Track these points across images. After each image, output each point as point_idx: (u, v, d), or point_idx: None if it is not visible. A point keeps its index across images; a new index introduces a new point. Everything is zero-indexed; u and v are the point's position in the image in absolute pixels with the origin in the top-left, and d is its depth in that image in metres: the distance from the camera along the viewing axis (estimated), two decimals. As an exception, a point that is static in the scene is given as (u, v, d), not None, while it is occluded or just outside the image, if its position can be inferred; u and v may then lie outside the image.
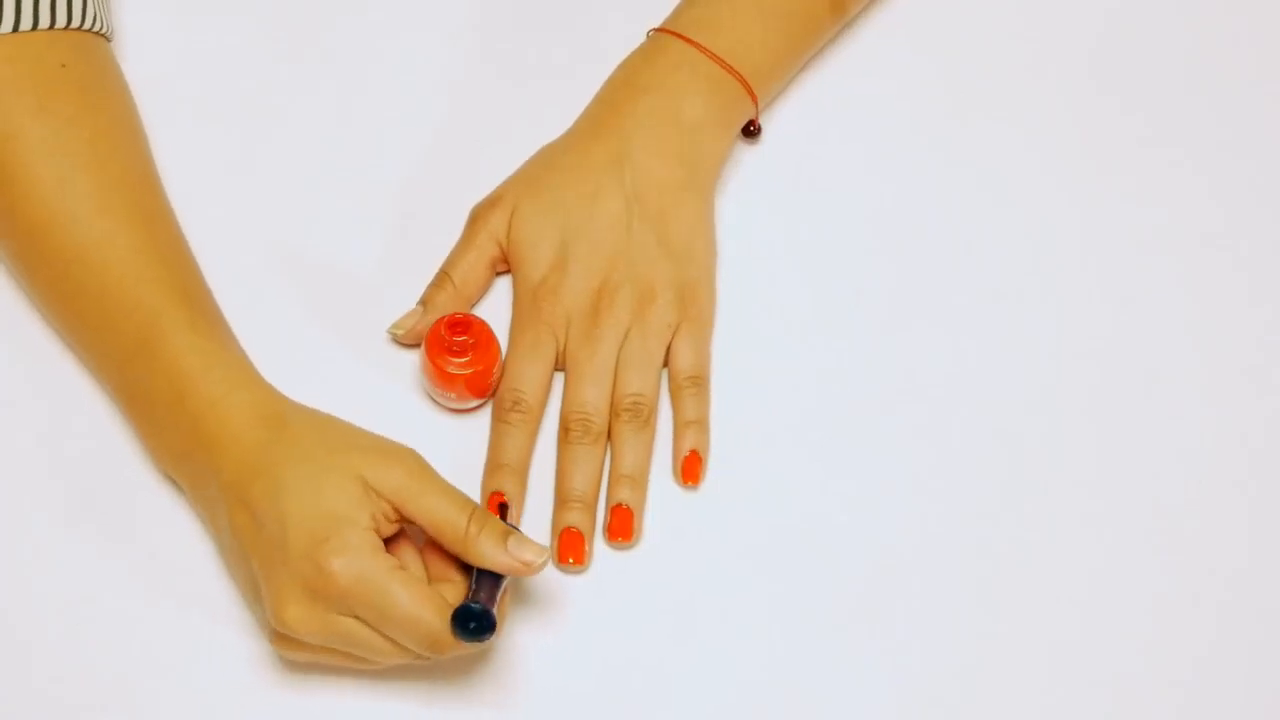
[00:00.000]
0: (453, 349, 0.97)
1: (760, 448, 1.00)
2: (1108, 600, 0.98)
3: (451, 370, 0.97)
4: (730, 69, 1.03)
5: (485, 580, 0.88)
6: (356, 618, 0.86)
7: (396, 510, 0.88)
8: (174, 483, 0.95)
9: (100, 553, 0.95)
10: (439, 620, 0.86)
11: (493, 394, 1.00)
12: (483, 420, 1.00)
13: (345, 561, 0.85)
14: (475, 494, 0.97)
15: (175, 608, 0.94)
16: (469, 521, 0.88)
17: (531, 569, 0.88)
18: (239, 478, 0.89)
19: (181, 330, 0.92)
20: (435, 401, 1.00)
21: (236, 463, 0.89)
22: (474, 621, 0.86)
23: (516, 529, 0.89)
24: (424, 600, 0.86)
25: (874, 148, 1.09)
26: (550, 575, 0.96)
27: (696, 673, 0.95)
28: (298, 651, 0.89)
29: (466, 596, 0.87)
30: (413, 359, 1.00)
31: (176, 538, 0.96)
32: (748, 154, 1.08)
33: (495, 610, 0.87)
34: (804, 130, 1.09)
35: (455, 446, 0.99)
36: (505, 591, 0.89)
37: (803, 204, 1.07)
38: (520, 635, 0.95)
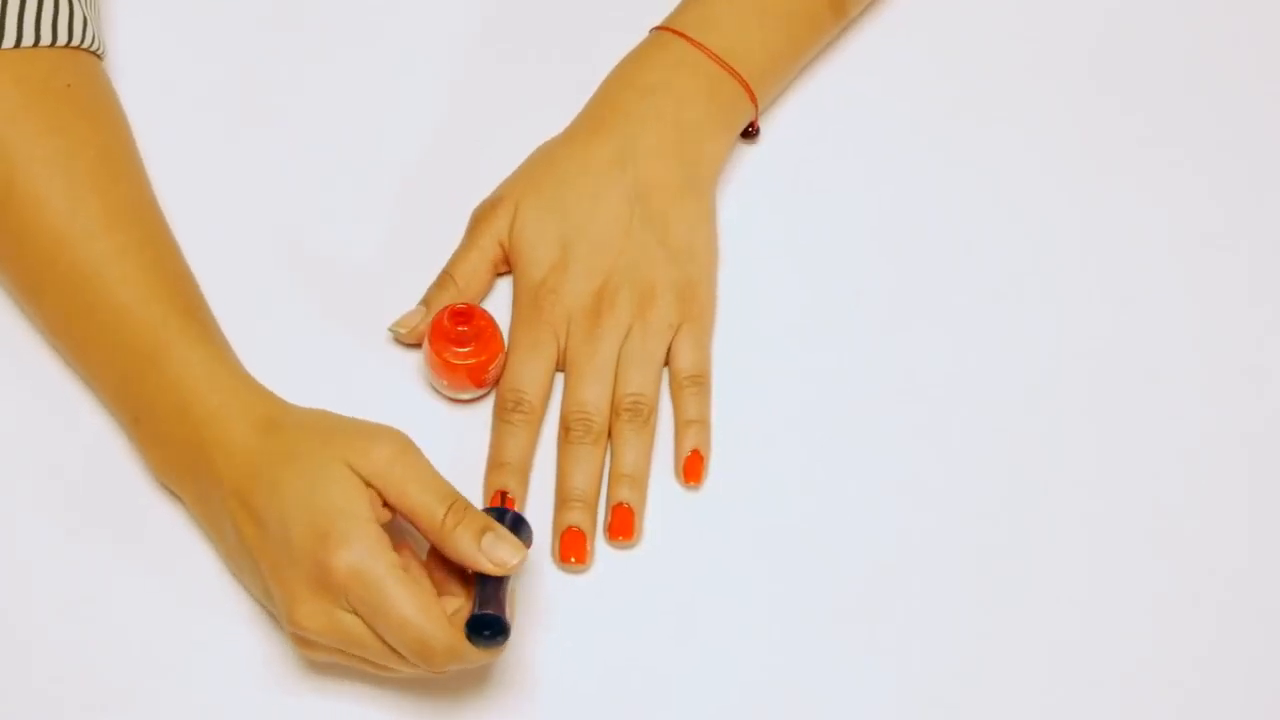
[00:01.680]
0: (455, 339, 0.97)
1: (760, 448, 1.00)
2: (1108, 600, 0.98)
3: (454, 360, 0.97)
4: (730, 69, 1.03)
5: (489, 586, 0.88)
6: (358, 615, 0.86)
7: (381, 495, 0.88)
8: (177, 496, 0.95)
9: (100, 553, 0.95)
10: (432, 627, 0.85)
11: (494, 384, 1.00)
12: (485, 412, 1.00)
13: (345, 554, 0.85)
14: (477, 488, 0.97)
15: (176, 608, 0.94)
16: (447, 513, 0.87)
17: (505, 569, 0.87)
18: (240, 484, 0.89)
19: (187, 345, 0.92)
20: (437, 392, 1.00)
21: (237, 469, 0.89)
22: (488, 629, 0.86)
23: (500, 525, 0.88)
24: (421, 604, 0.85)
25: (873, 148, 1.09)
26: (551, 576, 0.96)
27: (697, 673, 0.95)
28: (316, 652, 0.89)
29: (474, 606, 0.87)
30: (415, 351, 1.01)
31: (177, 538, 0.96)
32: (748, 154, 1.08)
33: (506, 614, 0.87)
34: (804, 130, 1.09)
35: (457, 438, 0.99)
36: (513, 593, 0.89)
37: (802, 204, 1.07)
38: (521, 635, 0.95)
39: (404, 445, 0.88)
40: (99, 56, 1.01)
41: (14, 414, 0.99)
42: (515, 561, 0.87)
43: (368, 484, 0.87)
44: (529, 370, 0.98)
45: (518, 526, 0.90)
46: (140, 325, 0.93)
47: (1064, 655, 0.97)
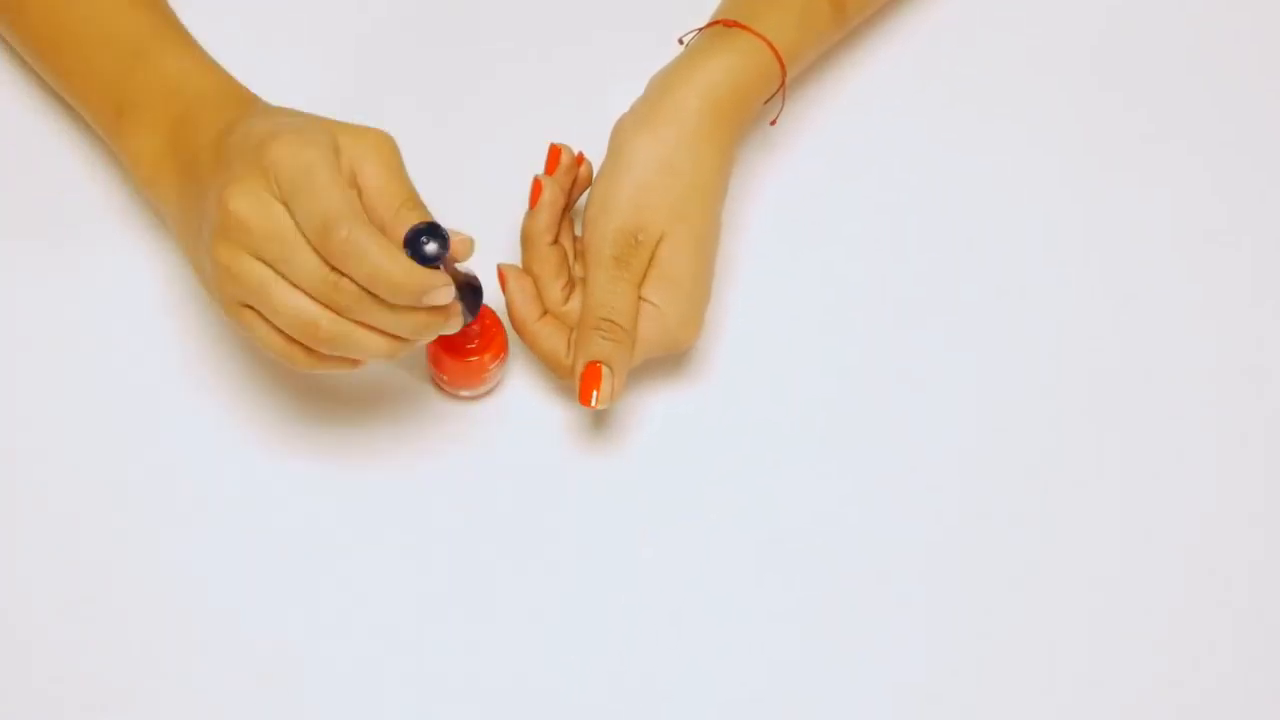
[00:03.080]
0: (460, 335, 0.97)
1: (761, 447, 1.00)
2: (1108, 599, 0.98)
3: (457, 357, 0.97)
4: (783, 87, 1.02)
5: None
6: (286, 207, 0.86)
7: (357, 178, 0.88)
8: (159, 219, 0.98)
9: (100, 553, 0.95)
10: (347, 211, 0.85)
11: (494, 384, 1.00)
12: (484, 411, 1.00)
13: (291, 139, 0.86)
14: (477, 488, 0.97)
15: (176, 608, 0.95)
16: (402, 202, 0.88)
17: (453, 248, 0.87)
18: (224, 129, 0.91)
19: (176, 43, 0.97)
20: (438, 388, 1.00)
21: (224, 119, 0.91)
22: (425, 236, 0.86)
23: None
24: (342, 189, 0.85)
25: (875, 145, 1.09)
26: (550, 577, 0.97)
27: (697, 673, 0.95)
28: (233, 284, 0.88)
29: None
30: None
31: (177, 539, 0.96)
32: (755, 153, 1.08)
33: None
34: (803, 129, 1.09)
35: (456, 435, 0.99)
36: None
37: (802, 203, 1.07)
38: (519, 635, 0.95)
39: (391, 143, 0.89)
40: None
41: (14, 414, 0.99)
42: (458, 238, 0.88)
43: (346, 156, 0.88)
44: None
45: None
46: (130, 28, 0.97)
47: (1064, 655, 0.97)
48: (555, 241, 1.00)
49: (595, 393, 0.96)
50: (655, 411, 1.01)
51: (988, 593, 0.98)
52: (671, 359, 1.01)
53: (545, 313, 0.99)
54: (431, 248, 0.86)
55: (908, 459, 1.01)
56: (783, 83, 1.01)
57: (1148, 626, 0.98)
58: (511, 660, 0.95)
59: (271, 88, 1.02)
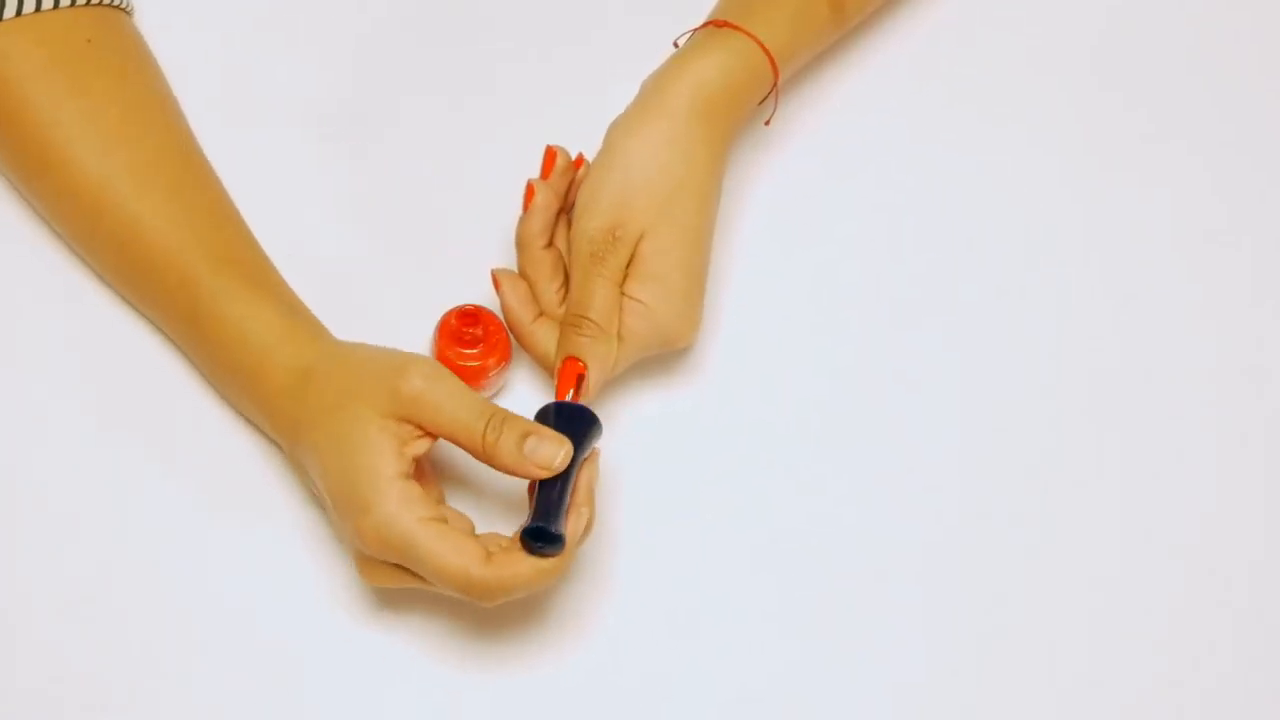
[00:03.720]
0: (463, 340, 0.97)
1: (756, 447, 1.00)
2: (1108, 599, 0.98)
3: (459, 361, 0.97)
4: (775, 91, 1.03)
5: (546, 492, 0.88)
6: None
7: (418, 426, 0.89)
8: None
9: (100, 553, 0.95)
10: (467, 568, 0.86)
11: (495, 390, 1.00)
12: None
13: (370, 519, 0.87)
14: (477, 488, 0.98)
15: (176, 608, 0.95)
16: (485, 428, 0.88)
17: (551, 468, 0.88)
18: (289, 444, 0.93)
19: (218, 301, 0.94)
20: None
21: (283, 430, 0.93)
22: (538, 539, 0.87)
23: (543, 426, 0.89)
24: (452, 547, 0.87)
25: (872, 144, 1.09)
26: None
27: (695, 673, 0.95)
28: (384, 583, 0.91)
29: (528, 519, 0.88)
30: (420, 348, 1.01)
31: (177, 539, 0.96)
32: (750, 152, 1.08)
33: (562, 524, 0.87)
34: (800, 128, 1.09)
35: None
36: (588, 486, 0.90)
37: (798, 202, 1.07)
38: (519, 635, 0.95)
39: (432, 371, 0.89)
40: (127, 12, 1.02)
41: (14, 414, 0.99)
42: (559, 458, 0.88)
43: (403, 419, 0.88)
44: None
45: (574, 418, 0.91)
46: (177, 284, 0.95)
47: (1064, 655, 0.97)
48: (550, 245, 1.00)
49: (570, 389, 0.96)
50: (651, 411, 1.01)
51: (986, 593, 0.98)
52: (666, 358, 1.01)
53: (540, 315, 0.99)
54: (553, 547, 0.88)
55: (904, 459, 1.01)
56: (775, 83, 1.01)
57: (1148, 626, 0.98)
58: (511, 660, 0.95)
59: (272, 88, 1.03)
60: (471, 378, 0.98)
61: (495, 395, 1.00)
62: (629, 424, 1.00)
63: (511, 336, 0.99)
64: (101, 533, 0.96)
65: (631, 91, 0.99)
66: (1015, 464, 1.01)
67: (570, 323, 0.96)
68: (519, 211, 1.00)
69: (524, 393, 1.01)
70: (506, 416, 0.89)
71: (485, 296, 1.00)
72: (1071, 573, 0.98)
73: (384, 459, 0.88)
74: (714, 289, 1.01)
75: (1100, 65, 1.13)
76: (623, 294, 0.97)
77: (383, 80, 1.09)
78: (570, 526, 0.89)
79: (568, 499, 0.89)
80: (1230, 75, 1.13)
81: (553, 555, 0.88)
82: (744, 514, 0.99)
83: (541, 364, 0.99)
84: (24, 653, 0.93)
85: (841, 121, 1.10)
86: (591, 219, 0.97)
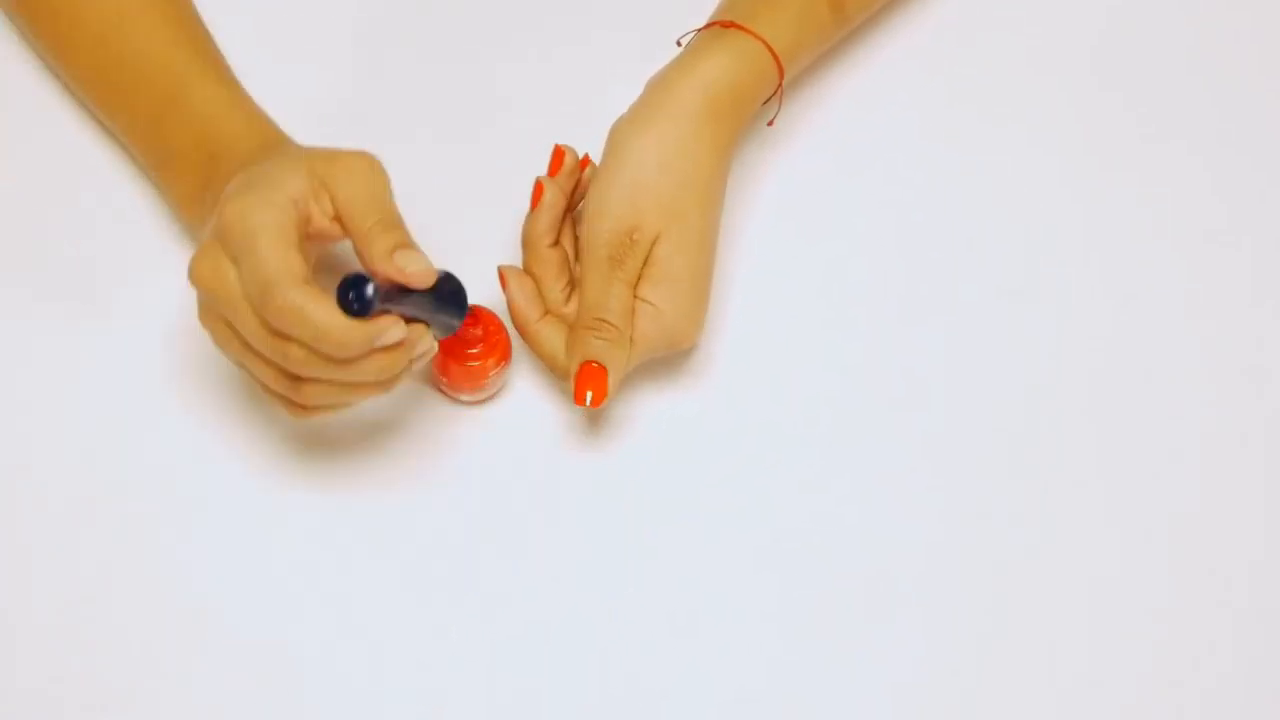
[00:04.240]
0: (463, 339, 0.97)
1: (761, 447, 1.00)
2: (1108, 599, 0.98)
3: (459, 360, 0.97)
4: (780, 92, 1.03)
5: (394, 287, 0.87)
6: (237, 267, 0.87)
7: (326, 190, 0.89)
8: (190, 235, 1.00)
9: (100, 553, 0.95)
10: (285, 275, 0.85)
11: (495, 391, 1.00)
12: (485, 414, 1.00)
13: (239, 201, 0.87)
14: (478, 489, 0.98)
15: (176, 608, 0.95)
16: (375, 223, 0.88)
17: (405, 275, 0.87)
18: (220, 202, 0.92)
19: (206, 85, 0.98)
20: (440, 391, 1.00)
21: (244, 166, 0.92)
22: (353, 290, 0.85)
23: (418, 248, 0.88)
24: (281, 256, 0.85)
25: (876, 144, 1.09)
26: (552, 579, 0.97)
27: (697, 673, 0.95)
28: (208, 317, 0.89)
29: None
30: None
31: (177, 539, 0.96)
32: (755, 151, 1.08)
33: (379, 305, 0.85)
34: (804, 127, 1.09)
35: (462, 439, 0.99)
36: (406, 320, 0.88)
37: (802, 202, 1.07)
38: (520, 636, 0.95)
39: (371, 164, 0.90)
40: None
41: (14, 414, 0.99)
42: (421, 268, 0.87)
43: (321, 180, 0.88)
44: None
45: (455, 294, 0.91)
46: (164, 70, 0.98)
47: (1065, 655, 0.97)
48: (556, 243, 1.00)
49: (589, 392, 0.96)
50: (656, 412, 1.01)
51: (988, 593, 0.98)
52: (672, 359, 1.01)
53: (546, 313, 0.99)
54: (357, 305, 0.85)
55: (908, 459, 1.01)
56: (780, 83, 1.01)
57: (1148, 626, 0.98)
58: (511, 660, 0.95)
59: (271, 88, 1.03)
60: (471, 377, 0.98)
61: (495, 395, 1.00)
62: (635, 424, 1.00)
63: (512, 336, 0.99)
64: (102, 532, 0.96)
65: (632, 91, 0.99)
66: (1017, 463, 1.01)
67: (588, 325, 0.96)
68: (519, 211, 1.00)
69: (524, 392, 1.01)
70: (399, 226, 0.89)
71: (485, 296, 1.00)
72: (1072, 572, 0.98)
73: (291, 180, 0.88)
74: (719, 288, 1.01)
75: (1100, 65, 1.13)
76: (635, 296, 0.97)
77: (383, 80, 1.09)
78: (383, 321, 0.86)
79: (403, 311, 0.88)
80: (1230, 75, 1.13)
81: (353, 318, 0.85)
82: (748, 514, 0.99)
83: (545, 362, 0.99)
84: (24, 653, 0.94)
85: (845, 120, 1.10)
86: (605, 220, 0.97)
